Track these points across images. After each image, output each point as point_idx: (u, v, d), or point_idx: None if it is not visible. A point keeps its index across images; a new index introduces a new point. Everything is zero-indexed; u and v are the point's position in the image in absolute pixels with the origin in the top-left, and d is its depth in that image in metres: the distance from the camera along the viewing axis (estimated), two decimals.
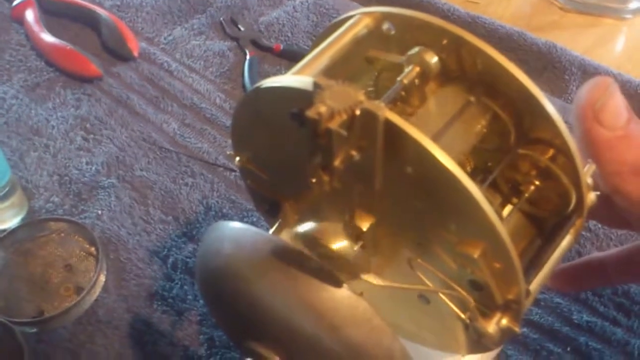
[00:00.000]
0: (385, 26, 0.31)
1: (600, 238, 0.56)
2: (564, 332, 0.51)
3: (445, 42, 0.29)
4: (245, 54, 0.71)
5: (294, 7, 0.77)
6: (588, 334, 0.51)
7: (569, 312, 0.52)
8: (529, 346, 0.50)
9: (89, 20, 0.74)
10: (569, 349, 0.50)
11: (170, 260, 0.55)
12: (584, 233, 0.56)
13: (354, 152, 0.26)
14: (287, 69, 0.72)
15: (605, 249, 0.55)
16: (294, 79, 0.28)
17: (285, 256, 0.29)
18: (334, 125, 0.24)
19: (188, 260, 0.55)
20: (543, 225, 0.32)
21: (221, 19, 0.76)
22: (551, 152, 0.29)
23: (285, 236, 0.35)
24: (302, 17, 0.76)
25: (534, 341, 0.51)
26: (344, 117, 0.24)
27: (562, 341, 0.51)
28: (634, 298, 0.52)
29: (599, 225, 0.57)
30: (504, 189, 0.32)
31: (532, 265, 0.31)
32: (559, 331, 0.51)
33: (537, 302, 0.52)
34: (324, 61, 0.30)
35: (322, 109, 0.23)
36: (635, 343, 0.50)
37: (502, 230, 0.25)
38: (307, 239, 0.27)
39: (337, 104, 0.24)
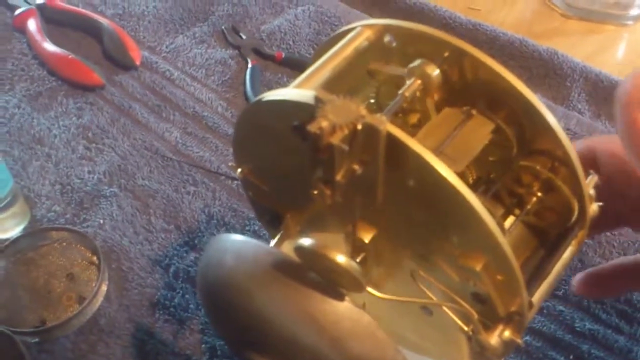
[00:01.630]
0: (387, 38, 0.31)
1: (603, 245, 0.56)
2: (566, 340, 0.51)
3: (446, 54, 0.29)
4: (247, 63, 0.71)
5: (295, 15, 0.77)
6: (591, 341, 0.51)
7: (571, 320, 0.52)
8: (531, 354, 0.50)
9: (91, 29, 0.74)
10: (571, 357, 0.50)
11: (172, 269, 0.55)
12: (586, 240, 0.56)
13: (356, 166, 0.26)
14: (289, 77, 0.72)
15: (607, 257, 0.55)
16: (296, 92, 0.28)
17: (286, 269, 0.29)
18: (335, 140, 0.24)
19: (190, 269, 0.55)
20: (546, 237, 0.32)
21: (223, 27, 0.76)
22: (553, 163, 0.29)
23: (287, 248, 0.35)
24: (304, 25, 0.76)
25: (536, 349, 0.50)
26: (346, 131, 0.24)
27: (564, 349, 0.50)
28: (636, 305, 0.52)
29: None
30: (506, 200, 0.32)
31: (535, 277, 0.31)
32: (562, 339, 0.51)
33: (539, 311, 0.52)
34: (325, 74, 0.30)
35: (324, 123, 0.23)
36: (638, 350, 0.50)
37: (504, 243, 0.25)
38: (308, 252, 0.27)
39: (338, 118, 0.24)
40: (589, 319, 0.52)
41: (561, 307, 0.52)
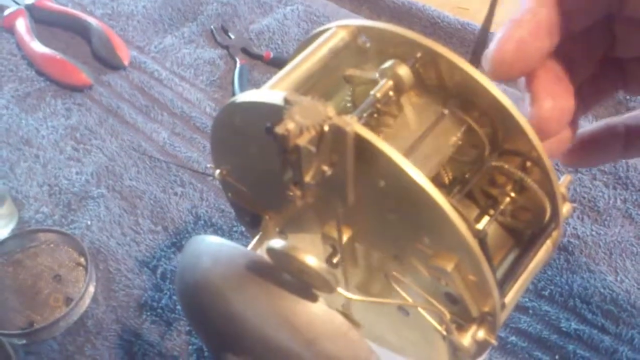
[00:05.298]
0: (361, 39, 0.31)
1: (589, 245, 0.56)
2: (552, 340, 0.51)
3: (419, 54, 0.29)
4: (236, 62, 0.71)
5: (284, 15, 0.77)
6: (576, 342, 0.51)
7: (557, 320, 0.52)
8: (517, 355, 0.50)
9: (80, 29, 0.74)
10: (557, 357, 0.50)
11: (160, 270, 0.55)
12: (572, 240, 0.56)
13: (325, 167, 0.26)
14: None
15: (594, 257, 0.55)
16: (267, 93, 0.28)
17: (260, 270, 0.29)
18: (302, 141, 0.24)
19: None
20: (521, 236, 0.32)
21: (212, 27, 0.76)
22: (526, 163, 0.29)
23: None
24: (293, 24, 0.76)
25: (522, 349, 0.50)
26: (313, 133, 0.24)
27: (550, 349, 0.51)
28: (622, 305, 0.52)
29: (587, 232, 0.56)
30: (481, 200, 0.32)
31: (509, 277, 0.31)
32: (547, 339, 0.51)
33: (525, 311, 0.52)
34: (300, 75, 0.30)
35: (291, 125, 0.23)
36: (623, 351, 0.50)
37: (474, 244, 0.25)
38: (279, 254, 0.27)
39: (305, 119, 0.24)
40: (574, 319, 0.52)
41: (547, 307, 0.52)
